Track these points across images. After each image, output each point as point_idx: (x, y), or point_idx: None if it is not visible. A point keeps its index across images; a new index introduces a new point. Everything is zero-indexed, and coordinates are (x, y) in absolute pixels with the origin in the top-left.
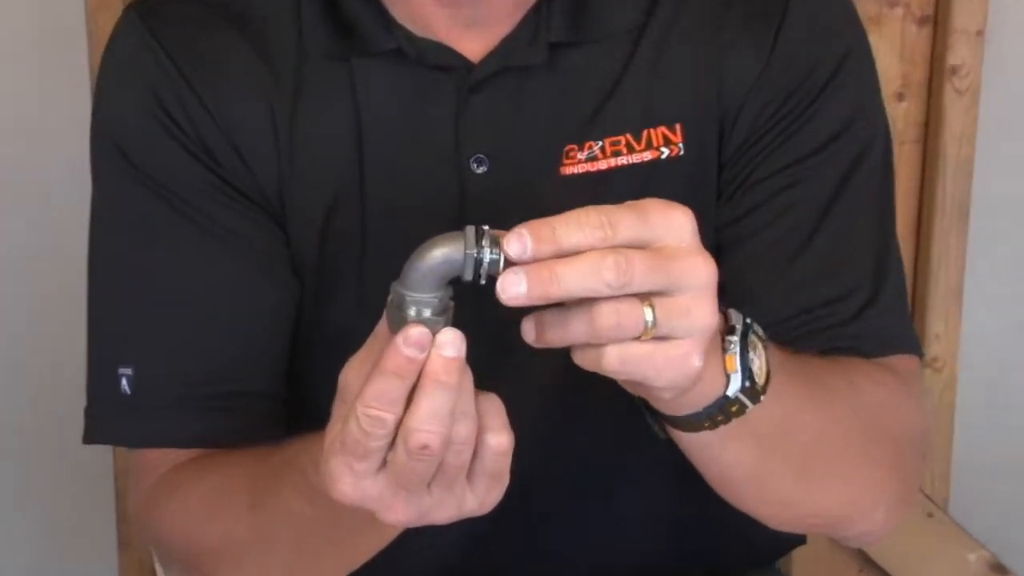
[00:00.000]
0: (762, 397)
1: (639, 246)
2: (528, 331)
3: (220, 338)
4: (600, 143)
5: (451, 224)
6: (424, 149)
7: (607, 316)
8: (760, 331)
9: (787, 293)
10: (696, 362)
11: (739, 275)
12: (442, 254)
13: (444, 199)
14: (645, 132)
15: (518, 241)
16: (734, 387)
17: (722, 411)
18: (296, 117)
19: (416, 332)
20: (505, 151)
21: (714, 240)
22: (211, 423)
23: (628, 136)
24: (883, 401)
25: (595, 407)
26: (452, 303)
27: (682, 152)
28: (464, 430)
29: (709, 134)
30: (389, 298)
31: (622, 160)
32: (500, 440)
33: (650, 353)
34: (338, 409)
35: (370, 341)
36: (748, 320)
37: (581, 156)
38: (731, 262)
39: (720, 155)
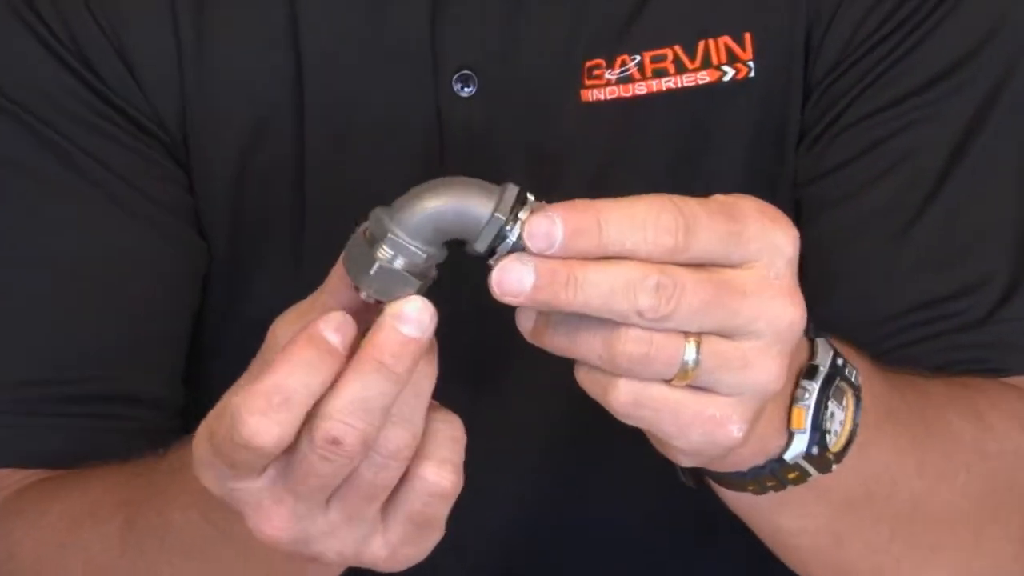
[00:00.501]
0: (835, 466)
1: (710, 263)
2: (525, 321)
3: (88, 320)
4: (637, 58)
5: (421, 171)
6: (387, 63)
7: (633, 343)
8: (855, 376)
9: (892, 283)
10: (736, 432)
11: (823, 253)
12: (462, 203)
13: (413, 135)
14: (701, 44)
15: (546, 227)
16: (795, 451)
17: (775, 475)
18: (206, 20)
19: (413, 308)
20: (501, 66)
21: (792, 200)
22: (72, 437)
23: (677, 49)
24: (1019, 449)
25: (616, 431)
26: (436, 273)
27: (753, 73)
28: (397, 440)
29: (792, 49)
30: (362, 227)
31: (668, 82)
32: (440, 478)
33: (678, 404)
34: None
35: (316, 294)
36: (840, 361)
37: (611, 76)
38: (812, 233)
39: (806, 80)
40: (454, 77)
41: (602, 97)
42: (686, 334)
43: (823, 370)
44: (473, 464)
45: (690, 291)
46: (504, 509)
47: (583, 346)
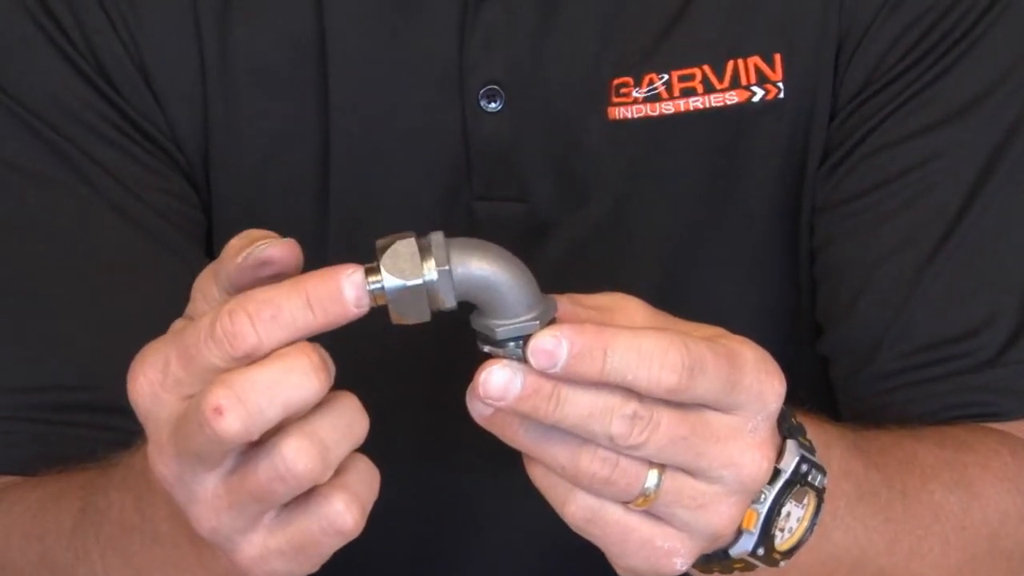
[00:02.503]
0: (782, 564)
1: (701, 404)
2: (482, 409)
3: (81, 328)
4: (665, 77)
5: (447, 187)
6: (414, 77)
7: (599, 462)
8: (819, 480)
9: (904, 323)
10: (679, 566)
11: (837, 283)
12: (518, 290)
13: (439, 149)
14: (730, 64)
15: (551, 346)
16: (740, 549)
17: (721, 564)
18: (230, 34)
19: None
20: (527, 82)
21: (810, 220)
22: (49, 446)
23: (706, 68)
24: (1007, 512)
25: None
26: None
27: (783, 94)
28: (306, 460)
29: (821, 70)
30: (415, 237)
31: (696, 102)
32: (346, 514)
33: (629, 529)
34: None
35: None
36: (805, 468)
37: (638, 94)
38: (827, 260)
39: (833, 101)
40: (480, 92)
41: (629, 115)
42: (651, 463)
43: (785, 475)
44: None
45: (664, 427)
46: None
47: (548, 453)
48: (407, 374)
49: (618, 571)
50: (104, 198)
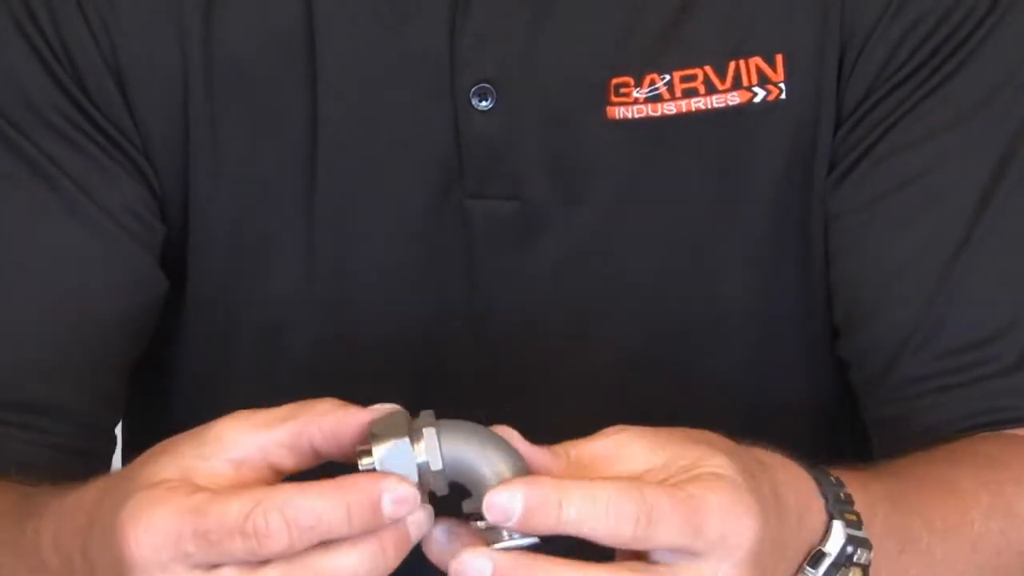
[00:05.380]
0: None
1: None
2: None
3: (18, 324)
4: (667, 77)
5: (438, 185)
6: (404, 74)
7: None
8: (866, 557)
9: (927, 329)
10: None
11: (857, 291)
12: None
13: (431, 147)
14: (732, 65)
15: (505, 500)
16: None
17: None
18: (214, 31)
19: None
20: (520, 80)
21: (821, 225)
22: None
23: (708, 69)
24: None
25: None
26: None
27: (784, 95)
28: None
29: (824, 72)
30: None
31: (698, 103)
32: None
33: None
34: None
35: (279, 414)
36: (851, 549)
37: (639, 94)
38: (845, 268)
39: (838, 106)
40: (471, 90)
41: (629, 116)
42: None
43: (830, 558)
44: None
45: None
46: None
47: None
48: (394, 382)
49: None
50: (58, 198)
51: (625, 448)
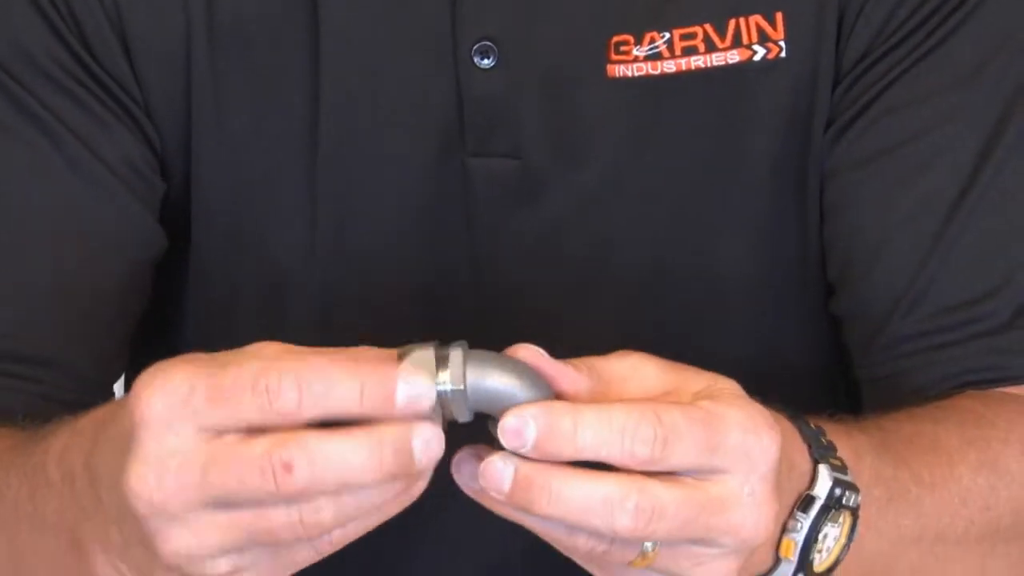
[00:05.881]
0: None
1: (684, 472)
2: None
3: (12, 273)
4: (667, 35)
5: (439, 147)
6: (406, 33)
7: (595, 541)
8: (855, 500)
9: (920, 288)
10: None
11: (852, 248)
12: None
13: (432, 106)
14: (732, 22)
15: (519, 426)
16: (778, 575)
17: None
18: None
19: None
20: (522, 38)
21: (818, 182)
22: None
23: (708, 27)
24: None
25: None
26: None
27: (784, 53)
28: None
29: (824, 30)
30: (439, 347)
31: (698, 61)
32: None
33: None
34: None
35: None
36: (839, 491)
37: (639, 52)
38: (841, 224)
39: (837, 63)
40: (473, 48)
41: (629, 74)
42: None
43: (820, 501)
44: None
45: (670, 514)
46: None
47: (541, 529)
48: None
49: None
50: (58, 150)
51: (639, 370)
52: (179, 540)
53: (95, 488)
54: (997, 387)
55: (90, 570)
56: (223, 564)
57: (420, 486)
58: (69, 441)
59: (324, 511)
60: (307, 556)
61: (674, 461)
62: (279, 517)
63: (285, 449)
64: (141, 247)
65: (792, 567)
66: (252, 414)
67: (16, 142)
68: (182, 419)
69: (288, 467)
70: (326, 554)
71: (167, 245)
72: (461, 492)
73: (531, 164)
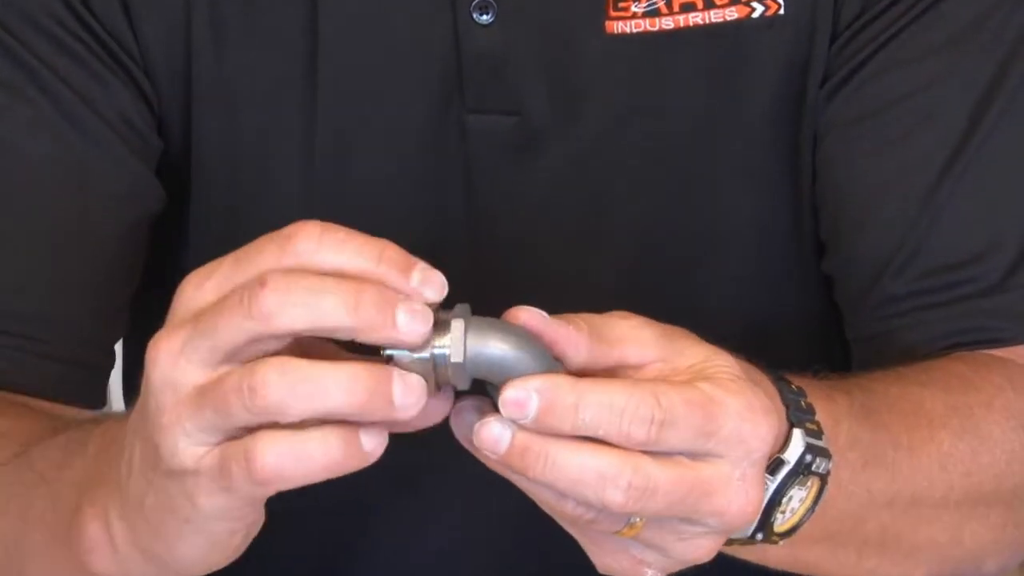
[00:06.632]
0: (781, 543)
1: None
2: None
3: (8, 229)
4: None
5: (438, 103)
6: None
7: (582, 509)
8: (824, 466)
9: (910, 248)
10: (649, 575)
11: (840, 209)
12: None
13: (431, 62)
14: None
15: (521, 398)
16: (739, 533)
17: None
18: None
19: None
20: None
21: (811, 139)
22: None
23: None
24: (1013, 451)
25: None
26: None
27: (782, 11)
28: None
29: None
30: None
31: (696, 17)
32: (262, 464)
33: (607, 540)
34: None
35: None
36: (810, 457)
37: (637, 8)
38: (830, 184)
39: (835, 20)
40: (472, 4)
41: (628, 30)
42: None
43: (788, 465)
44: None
45: (661, 494)
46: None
47: (531, 490)
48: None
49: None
50: (56, 106)
51: (638, 333)
52: (170, 410)
53: (118, 444)
54: (986, 349)
55: (79, 531)
56: (193, 455)
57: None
58: (112, 424)
59: (261, 371)
60: (241, 482)
61: (669, 444)
62: (229, 380)
63: (259, 286)
64: (140, 202)
65: (752, 527)
66: (272, 259)
67: (14, 98)
68: (204, 290)
69: (263, 283)
70: (258, 482)
71: (166, 202)
72: (423, 476)
73: (530, 120)
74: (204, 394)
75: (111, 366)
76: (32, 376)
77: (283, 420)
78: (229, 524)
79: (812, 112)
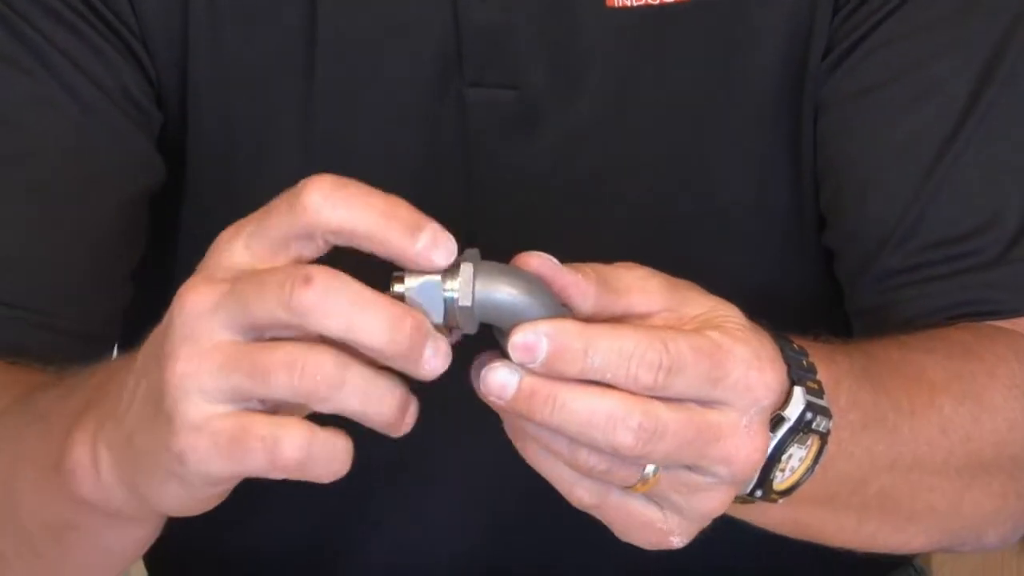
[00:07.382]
0: (780, 501)
1: (685, 399)
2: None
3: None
4: None
5: (437, 76)
6: None
7: (596, 458)
8: (825, 425)
9: (911, 221)
10: (676, 543)
11: (841, 182)
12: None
13: (430, 37)
14: None
15: (531, 341)
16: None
17: None
18: None
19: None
20: None
21: (813, 109)
22: None
23: None
24: (1015, 420)
25: None
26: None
27: None
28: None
29: None
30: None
31: None
32: (287, 448)
33: (631, 511)
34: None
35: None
36: (810, 415)
37: None
38: (831, 157)
39: None
40: None
41: (628, 3)
42: None
43: (789, 422)
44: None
45: (670, 436)
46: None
47: (546, 441)
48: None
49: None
50: (56, 78)
51: (645, 283)
52: (186, 359)
53: (120, 375)
54: (986, 321)
55: (67, 454)
56: (202, 411)
57: (409, 419)
58: (118, 360)
59: (316, 355)
60: (259, 461)
61: (676, 390)
62: (278, 353)
63: (306, 269)
64: (141, 175)
65: (751, 484)
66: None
67: (14, 70)
68: (238, 239)
69: (308, 280)
70: (282, 467)
71: (165, 174)
72: (422, 457)
73: (529, 94)
74: (240, 358)
75: (115, 338)
76: (32, 346)
77: (318, 408)
78: (212, 489)
79: (813, 85)
